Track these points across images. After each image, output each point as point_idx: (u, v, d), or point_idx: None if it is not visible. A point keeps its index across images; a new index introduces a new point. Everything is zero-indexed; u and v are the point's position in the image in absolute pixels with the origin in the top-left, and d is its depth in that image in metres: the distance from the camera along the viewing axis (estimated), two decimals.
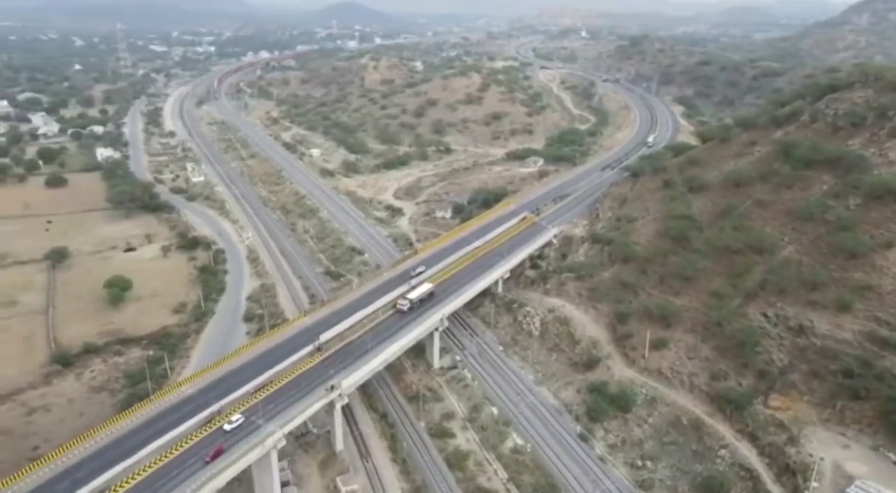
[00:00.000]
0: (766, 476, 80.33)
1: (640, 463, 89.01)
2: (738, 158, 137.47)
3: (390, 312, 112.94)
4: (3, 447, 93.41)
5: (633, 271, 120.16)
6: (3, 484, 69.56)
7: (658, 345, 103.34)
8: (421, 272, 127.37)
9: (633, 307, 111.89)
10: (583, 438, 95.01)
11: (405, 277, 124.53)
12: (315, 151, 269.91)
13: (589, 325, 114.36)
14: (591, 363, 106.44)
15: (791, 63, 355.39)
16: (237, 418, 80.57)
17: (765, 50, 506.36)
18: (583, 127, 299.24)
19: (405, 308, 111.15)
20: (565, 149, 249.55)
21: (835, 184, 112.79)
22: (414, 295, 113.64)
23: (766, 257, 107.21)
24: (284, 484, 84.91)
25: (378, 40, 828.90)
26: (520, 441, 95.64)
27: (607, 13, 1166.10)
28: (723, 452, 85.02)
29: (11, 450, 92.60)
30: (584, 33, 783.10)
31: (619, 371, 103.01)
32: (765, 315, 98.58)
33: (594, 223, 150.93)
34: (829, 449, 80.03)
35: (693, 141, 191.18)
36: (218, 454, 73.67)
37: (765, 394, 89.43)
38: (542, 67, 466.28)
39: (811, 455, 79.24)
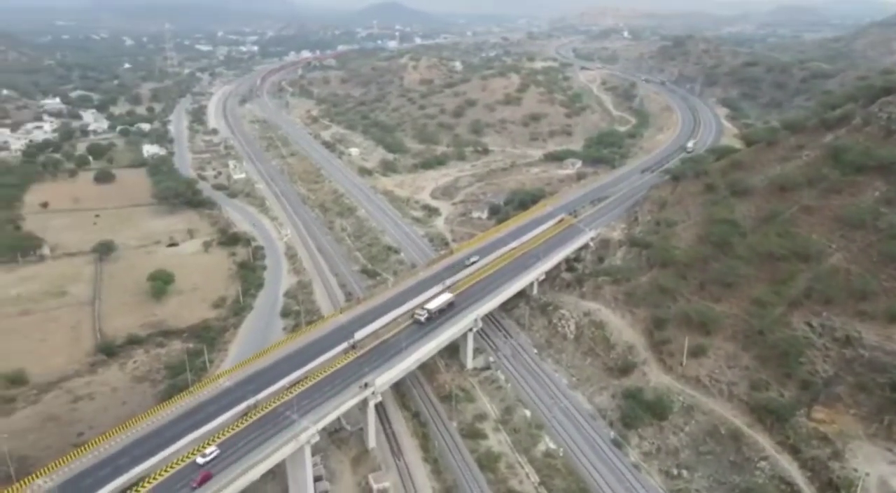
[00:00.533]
0: (808, 491, 77.96)
1: (675, 472, 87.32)
2: (785, 163, 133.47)
3: (445, 298, 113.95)
4: (50, 432, 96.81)
5: (672, 275, 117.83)
6: (48, 469, 71.94)
7: (696, 352, 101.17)
8: (475, 261, 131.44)
9: (672, 313, 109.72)
10: (617, 444, 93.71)
11: (439, 277, 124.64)
12: (354, 150, 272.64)
13: (625, 330, 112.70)
14: (626, 369, 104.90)
15: (843, 64, 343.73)
16: (212, 450, 74.11)
17: (815, 51, 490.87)
18: (623, 129, 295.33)
19: (422, 319, 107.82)
20: (604, 151, 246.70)
21: (887, 190, 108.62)
22: (432, 305, 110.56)
23: (813, 265, 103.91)
24: (317, 479, 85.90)
25: (418, 40, 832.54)
26: (552, 445, 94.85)
27: (650, 13, 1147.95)
28: (762, 464, 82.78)
29: (57, 436, 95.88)
30: (626, 34, 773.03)
31: (655, 378, 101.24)
32: (809, 325, 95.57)
33: (633, 227, 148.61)
34: (875, 465, 77.16)
35: (737, 144, 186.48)
36: (205, 480, 70.68)
37: (808, 406, 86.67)
38: (583, 68, 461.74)
39: (856, 471, 76.58)
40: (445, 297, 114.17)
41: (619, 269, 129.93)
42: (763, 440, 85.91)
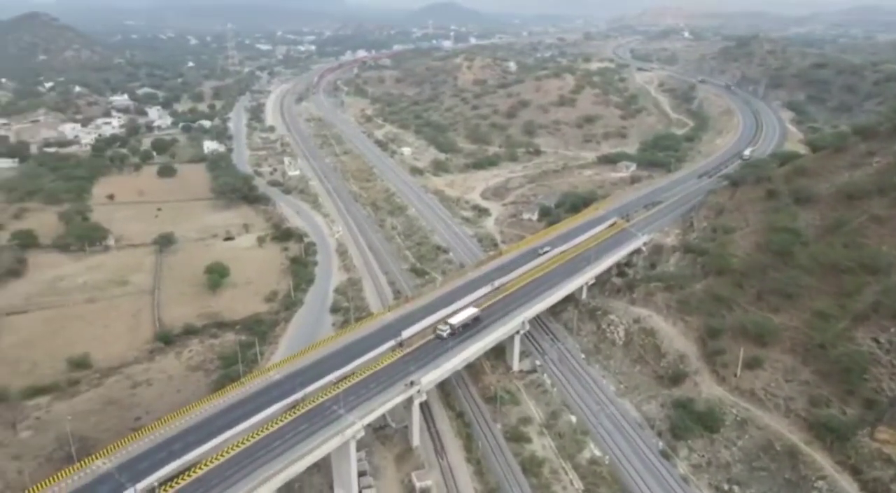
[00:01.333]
0: None
1: (726, 487, 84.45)
2: (854, 170, 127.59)
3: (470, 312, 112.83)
4: (111, 415, 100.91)
5: (728, 284, 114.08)
6: (108, 451, 75.06)
7: (752, 364, 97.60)
8: (547, 251, 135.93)
9: (727, 323, 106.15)
10: (665, 455, 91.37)
11: (488, 278, 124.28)
12: (406, 150, 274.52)
13: (677, 338, 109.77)
14: (677, 378, 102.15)
15: None
16: None
17: (890, 52, 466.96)
18: (680, 131, 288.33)
19: (445, 334, 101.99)
20: (660, 154, 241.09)
21: None
22: (456, 320, 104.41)
23: (881, 278, 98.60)
24: (361, 474, 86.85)
25: (473, 40, 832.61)
26: (598, 452, 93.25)
27: (714, 13, 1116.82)
28: (820, 483, 79.21)
29: (117, 419, 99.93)
30: (686, 34, 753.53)
31: (707, 389, 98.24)
32: (876, 340, 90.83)
33: (687, 232, 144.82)
34: None
35: (802, 149, 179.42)
36: None
37: (872, 426, 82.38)
38: (640, 69, 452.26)
39: None
40: (470, 311, 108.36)
41: (672, 275, 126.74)
42: (821, 459, 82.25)
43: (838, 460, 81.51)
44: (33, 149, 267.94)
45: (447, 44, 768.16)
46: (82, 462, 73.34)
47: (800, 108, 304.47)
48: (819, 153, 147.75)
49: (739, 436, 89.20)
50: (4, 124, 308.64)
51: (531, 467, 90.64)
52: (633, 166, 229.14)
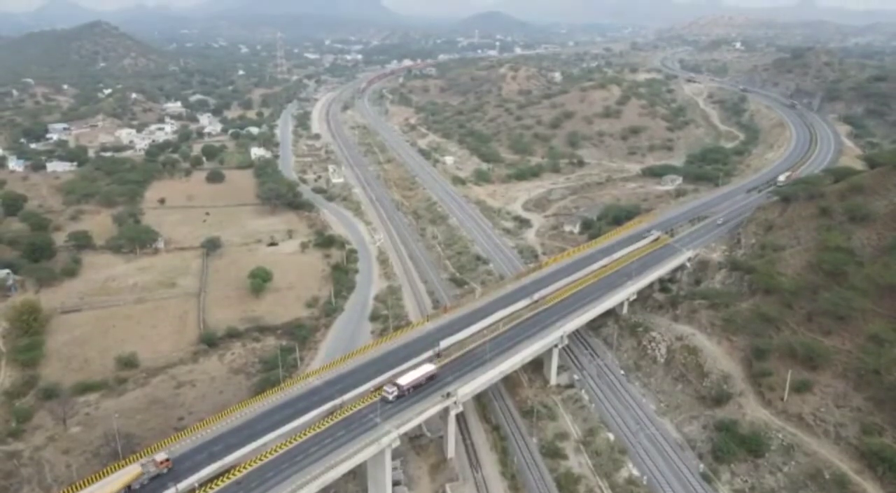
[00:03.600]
0: None
1: None
2: None
3: (512, 324, 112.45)
4: (155, 414, 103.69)
5: (777, 303, 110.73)
6: (151, 450, 77.17)
7: (800, 388, 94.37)
8: (650, 234, 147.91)
9: (774, 343, 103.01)
10: (706, 478, 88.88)
11: (527, 291, 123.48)
12: (449, 159, 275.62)
13: (721, 358, 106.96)
14: (720, 399, 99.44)
15: None
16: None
17: None
18: (729, 145, 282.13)
19: (391, 397, 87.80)
20: (707, 167, 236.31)
21: None
22: (405, 381, 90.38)
23: None
24: (395, 483, 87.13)
25: (518, 50, 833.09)
26: (636, 472, 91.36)
27: (768, 23, 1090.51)
28: None
29: (162, 418, 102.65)
30: (738, 44, 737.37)
31: (751, 411, 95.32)
32: None
33: (734, 249, 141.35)
34: None
35: (859, 165, 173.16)
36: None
37: None
38: (689, 80, 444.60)
39: None
40: (425, 369, 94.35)
41: (717, 293, 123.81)
42: (873, 490, 79.02)
43: (890, 491, 78.17)
44: (91, 153, 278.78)
45: (493, 53, 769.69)
46: (128, 459, 75.53)
47: (857, 122, 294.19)
48: (877, 170, 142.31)
49: (786, 462, 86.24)
50: (66, 129, 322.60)
51: (566, 484, 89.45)
52: (679, 180, 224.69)
